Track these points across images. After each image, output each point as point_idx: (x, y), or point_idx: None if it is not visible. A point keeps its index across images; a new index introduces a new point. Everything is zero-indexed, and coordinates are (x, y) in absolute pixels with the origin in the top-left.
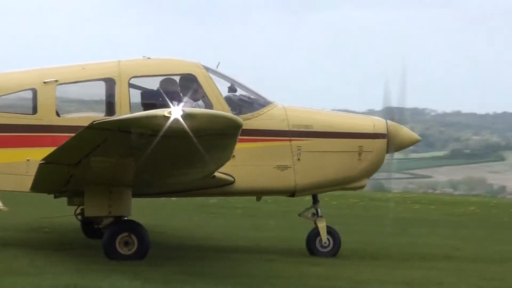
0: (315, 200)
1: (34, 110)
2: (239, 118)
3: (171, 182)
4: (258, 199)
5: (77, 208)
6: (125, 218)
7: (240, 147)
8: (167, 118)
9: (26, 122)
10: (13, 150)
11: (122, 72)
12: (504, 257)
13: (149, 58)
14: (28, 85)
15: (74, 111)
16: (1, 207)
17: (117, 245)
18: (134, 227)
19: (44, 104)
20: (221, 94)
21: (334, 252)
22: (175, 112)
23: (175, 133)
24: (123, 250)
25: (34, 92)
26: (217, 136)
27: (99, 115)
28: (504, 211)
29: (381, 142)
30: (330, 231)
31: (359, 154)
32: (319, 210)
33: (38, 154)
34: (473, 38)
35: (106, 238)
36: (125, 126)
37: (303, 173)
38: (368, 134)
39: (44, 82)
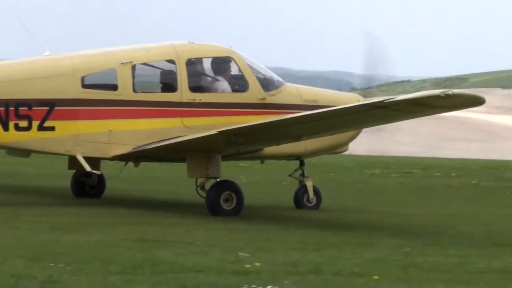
0: (301, 163)
1: (115, 87)
2: (483, 96)
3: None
4: (262, 162)
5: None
6: (223, 179)
7: (267, 118)
8: (442, 97)
9: (108, 97)
10: (98, 122)
11: (180, 55)
12: None
13: (193, 42)
14: (109, 65)
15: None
16: (95, 172)
17: (221, 202)
18: (234, 187)
19: (123, 82)
20: (253, 74)
21: (317, 207)
22: (448, 92)
23: (434, 108)
24: (225, 206)
25: (114, 71)
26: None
27: (165, 93)
28: None
29: None
30: (315, 190)
31: None
32: (305, 171)
33: (119, 125)
34: None
35: (211, 196)
36: (410, 103)
37: (310, 141)
38: None
39: (122, 63)
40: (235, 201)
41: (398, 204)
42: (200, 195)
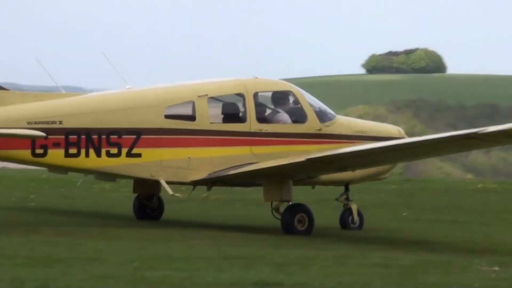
0: (346, 188)
1: (193, 118)
2: None
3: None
4: (313, 187)
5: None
6: (296, 202)
7: (324, 147)
8: None
9: (188, 127)
10: (179, 149)
11: (248, 89)
12: None
13: (257, 77)
14: (187, 98)
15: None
16: (177, 195)
17: (295, 223)
18: (306, 209)
19: (200, 113)
20: (310, 106)
21: (360, 228)
22: None
23: None
24: (299, 227)
25: (193, 103)
26: None
27: (236, 123)
28: None
29: None
30: (359, 213)
31: None
32: (350, 195)
33: (197, 152)
34: None
35: (287, 217)
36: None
37: None
38: (397, 137)
39: (199, 96)
40: (307, 222)
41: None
42: (275, 217)
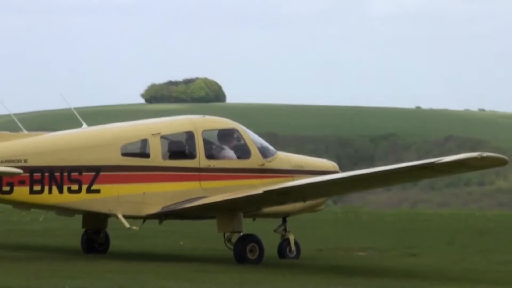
0: (284, 220)
1: (148, 155)
2: (505, 157)
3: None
4: (254, 219)
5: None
6: (247, 233)
7: (267, 181)
8: (480, 159)
9: (142, 163)
10: (134, 185)
11: (197, 127)
12: None
13: (204, 116)
14: (142, 136)
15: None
16: (133, 228)
17: (247, 252)
18: (257, 239)
19: (154, 150)
20: (253, 143)
21: (297, 258)
22: (483, 155)
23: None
24: (250, 256)
25: (147, 141)
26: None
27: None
28: None
29: None
30: (296, 243)
31: None
32: (287, 226)
33: (151, 188)
34: None
35: (239, 247)
36: (455, 164)
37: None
38: (332, 171)
39: (152, 134)
40: (258, 251)
41: None
42: (228, 247)
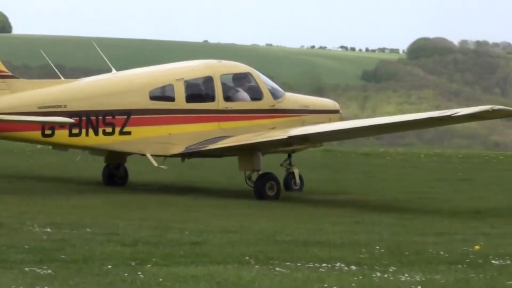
0: (289, 155)
1: (173, 99)
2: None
3: None
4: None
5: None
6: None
7: (277, 121)
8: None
9: (168, 107)
10: (161, 127)
11: (215, 72)
12: None
13: (221, 61)
14: (168, 81)
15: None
16: (161, 167)
17: (266, 190)
18: (275, 177)
19: (178, 94)
20: (265, 85)
21: (301, 190)
22: (495, 108)
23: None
24: (269, 193)
25: (172, 86)
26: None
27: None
28: None
29: (339, 115)
30: (300, 176)
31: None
32: (292, 161)
33: (176, 129)
34: None
35: (258, 185)
36: (469, 116)
37: None
38: (333, 110)
39: (177, 80)
40: (276, 188)
41: None
42: (249, 185)
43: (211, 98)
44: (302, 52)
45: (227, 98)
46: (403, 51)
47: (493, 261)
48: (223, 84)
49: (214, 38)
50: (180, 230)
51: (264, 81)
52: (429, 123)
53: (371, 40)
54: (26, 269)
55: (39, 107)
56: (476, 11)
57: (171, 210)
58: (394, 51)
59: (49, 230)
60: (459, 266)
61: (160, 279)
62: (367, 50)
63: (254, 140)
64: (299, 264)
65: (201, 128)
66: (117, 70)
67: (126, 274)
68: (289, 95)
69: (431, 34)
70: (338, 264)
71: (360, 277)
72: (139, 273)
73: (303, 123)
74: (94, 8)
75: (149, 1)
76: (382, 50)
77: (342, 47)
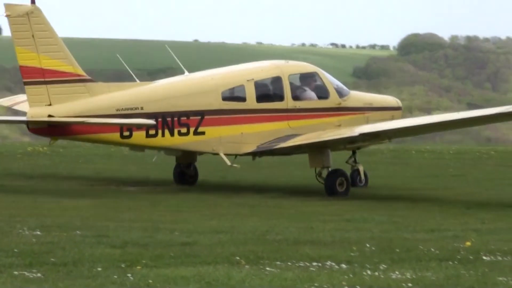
0: (354, 152)
1: (244, 99)
2: None
3: None
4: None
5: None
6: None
7: (343, 118)
8: None
9: (240, 107)
10: (234, 127)
11: (284, 72)
12: None
13: (288, 61)
14: (239, 82)
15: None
16: (235, 165)
17: (336, 186)
18: (344, 174)
19: (249, 95)
20: (331, 84)
21: (366, 186)
22: None
23: None
24: (339, 189)
25: (243, 87)
26: None
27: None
28: None
29: (400, 112)
30: (365, 173)
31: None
32: (357, 158)
33: (248, 128)
34: None
35: (329, 181)
36: None
37: None
38: (396, 107)
39: (247, 80)
40: (345, 184)
41: None
42: (319, 181)
43: (280, 97)
44: (293, 50)
45: (295, 98)
46: (394, 48)
47: (484, 257)
48: (291, 84)
49: (205, 37)
50: (170, 231)
51: (330, 80)
52: (498, 119)
53: (362, 37)
54: (15, 272)
55: (117, 110)
56: (466, 7)
57: (161, 211)
58: (384, 47)
59: (39, 233)
60: (450, 262)
61: (150, 281)
62: (357, 47)
63: (326, 138)
64: (289, 263)
65: (271, 127)
66: (104, 70)
67: (115, 276)
68: (354, 93)
69: (421, 30)
70: (328, 263)
71: (351, 275)
72: (129, 274)
73: (367, 121)
74: (90, 8)
75: (138, 0)
76: (373, 46)
77: (332, 44)
